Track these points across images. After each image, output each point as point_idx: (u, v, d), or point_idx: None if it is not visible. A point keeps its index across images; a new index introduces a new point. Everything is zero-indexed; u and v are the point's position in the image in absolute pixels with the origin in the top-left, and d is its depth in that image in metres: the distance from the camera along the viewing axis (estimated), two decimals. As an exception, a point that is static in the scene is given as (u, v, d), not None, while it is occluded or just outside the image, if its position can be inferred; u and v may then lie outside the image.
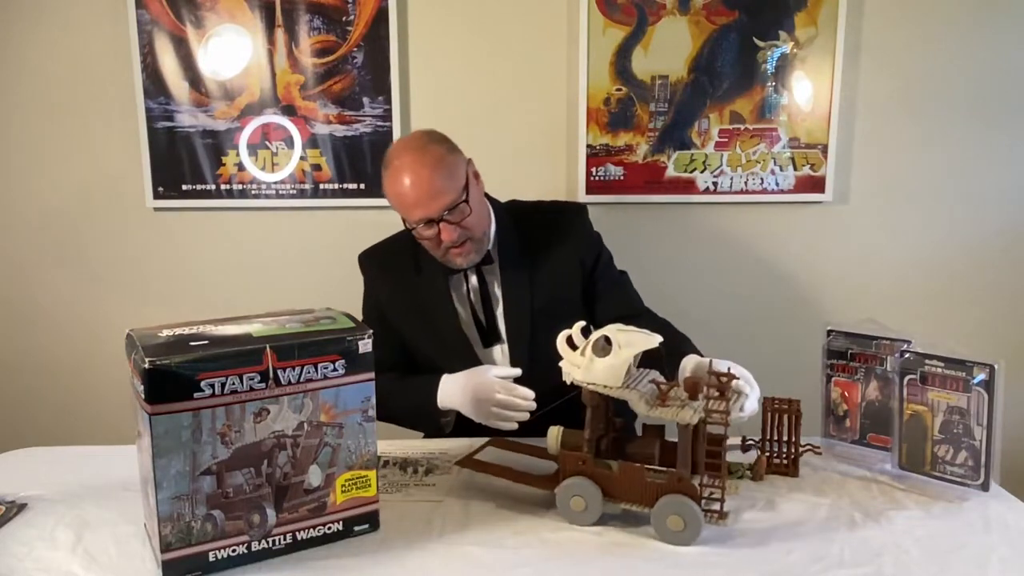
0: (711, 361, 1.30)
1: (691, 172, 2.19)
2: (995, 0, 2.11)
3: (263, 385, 1.08)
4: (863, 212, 2.23)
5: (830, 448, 1.45)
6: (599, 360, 1.18)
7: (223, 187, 2.22)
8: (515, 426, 1.42)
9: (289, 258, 2.27)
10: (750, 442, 1.42)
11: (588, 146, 2.18)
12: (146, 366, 1.00)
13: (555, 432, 1.26)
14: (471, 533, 1.19)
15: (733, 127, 2.17)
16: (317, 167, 2.21)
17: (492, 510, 1.26)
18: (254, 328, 1.13)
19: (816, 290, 2.27)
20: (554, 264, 1.60)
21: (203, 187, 2.22)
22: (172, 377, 1.02)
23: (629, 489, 1.18)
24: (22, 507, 1.29)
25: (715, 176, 2.19)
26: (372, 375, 1.16)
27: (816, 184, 2.19)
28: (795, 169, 2.19)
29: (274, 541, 1.12)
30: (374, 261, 1.68)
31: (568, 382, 1.22)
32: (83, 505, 1.29)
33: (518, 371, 1.46)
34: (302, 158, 2.21)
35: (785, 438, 1.38)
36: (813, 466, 1.41)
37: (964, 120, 2.17)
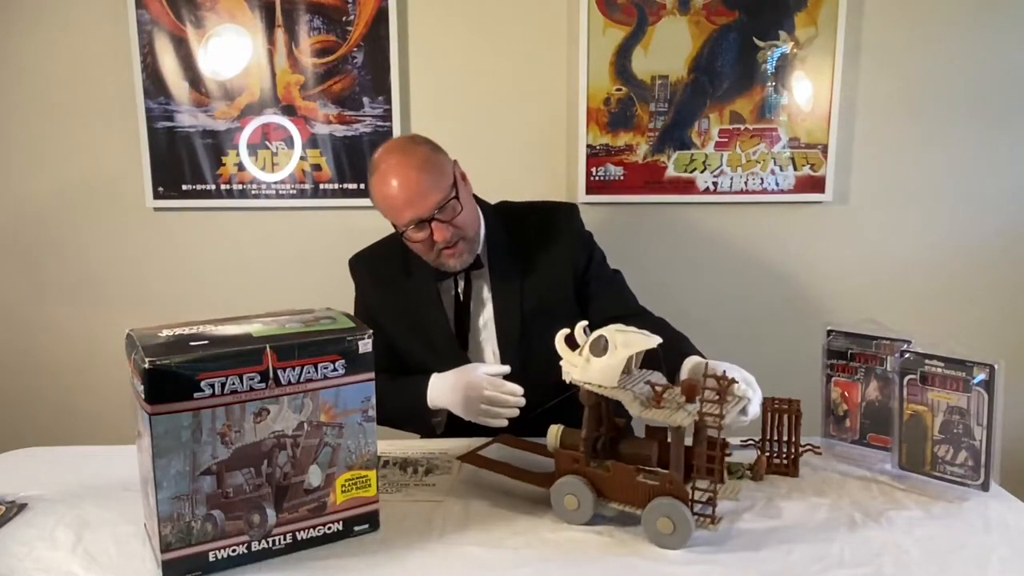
0: (706, 364, 1.30)
1: (691, 172, 2.19)
2: (995, 0, 2.11)
3: (263, 385, 1.08)
4: (863, 212, 2.23)
5: (830, 448, 1.45)
6: (595, 360, 1.18)
7: (223, 187, 2.22)
8: (505, 423, 1.42)
9: (289, 258, 2.27)
10: (750, 442, 1.42)
11: (588, 146, 2.18)
12: (146, 366, 1.00)
13: (555, 431, 1.27)
14: (471, 533, 1.19)
15: (733, 127, 2.17)
16: (317, 167, 2.21)
17: (492, 510, 1.26)
18: (254, 328, 1.13)
19: (816, 290, 2.27)
20: (545, 266, 1.59)
21: (203, 187, 2.22)
22: (172, 377, 1.02)
23: (621, 489, 1.18)
24: (22, 507, 1.29)
25: (715, 176, 2.19)
26: (372, 375, 1.16)
27: (816, 184, 2.19)
28: (795, 169, 2.19)
29: (274, 541, 1.12)
30: (364, 265, 1.68)
31: (567, 381, 1.22)
32: (83, 505, 1.29)
33: (507, 368, 1.47)
34: (302, 158, 2.21)
35: (785, 438, 1.38)
36: (813, 466, 1.41)
37: (964, 120, 2.17)
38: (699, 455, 1.15)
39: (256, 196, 2.23)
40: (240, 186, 2.22)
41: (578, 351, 1.21)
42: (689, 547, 1.13)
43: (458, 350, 1.59)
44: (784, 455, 1.38)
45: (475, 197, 1.60)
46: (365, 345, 1.14)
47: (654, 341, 1.20)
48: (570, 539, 1.17)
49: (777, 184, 2.20)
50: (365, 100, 2.17)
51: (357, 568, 1.10)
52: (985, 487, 1.26)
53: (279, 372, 1.08)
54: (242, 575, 1.09)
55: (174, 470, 1.04)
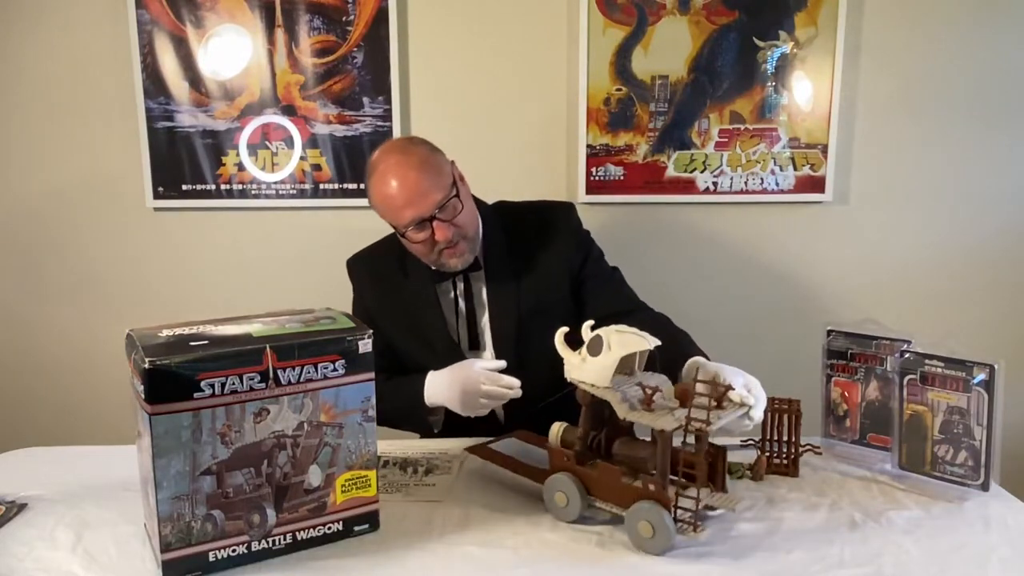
0: (697, 368, 1.29)
1: (691, 172, 2.19)
2: (995, 0, 2.11)
3: (263, 385, 1.08)
4: (863, 212, 2.23)
5: (830, 448, 1.45)
6: (591, 359, 1.18)
7: (223, 187, 2.22)
8: (501, 418, 1.42)
9: (289, 258, 2.27)
10: (750, 442, 1.42)
11: (588, 146, 2.18)
12: (146, 366, 1.00)
13: (556, 429, 1.28)
14: (471, 533, 1.19)
15: (733, 127, 2.17)
16: (317, 167, 2.21)
17: (492, 510, 1.26)
18: (254, 328, 1.13)
19: (816, 290, 2.27)
20: (543, 265, 1.59)
21: (203, 187, 2.22)
22: (172, 377, 1.02)
23: (607, 490, 1.19)
24: (22, 507, 1.29)
25: (715, 176, 2.19)
26: (372, 375, 1.16)
27: (816, 184, 2.19)
28: (795, 169, 2.19)
29: (274, 541, 1.12)
30: (362, 266, 1.68)
31: (568, 380, 1.22)
32: (83, 505, 1.29)
33: (503, 363, 1.46)
34: (302, 158, 2.21)
35: (785, 438, 1.38)
36: (813, 466, 1.41)
37: (964, 120, 2.17)
38: (699, 463, 1.13)
39: (256, 196, 2.23)
40: (240, 186, 2.22)
41: (579, 350, 1.21)
42: (688, 547, 1.13)
43: (456, 350, 1.59)
44: (784, 455, 1.38)
45: (473, 198, 1.61)
46: (365, 345, 1.14)
47: (651, 343, 1.20)
48: (570, 539, 1.17)
49: (777, 184, 2.20)
50: (365, 100, 2.17)
51: (357, 568, 1.10)
52: (985, 487, 1.26)
53: (279, 372, 1.08)
54: (242, 575, 1.09)
55: (174, 470, 1.04)
